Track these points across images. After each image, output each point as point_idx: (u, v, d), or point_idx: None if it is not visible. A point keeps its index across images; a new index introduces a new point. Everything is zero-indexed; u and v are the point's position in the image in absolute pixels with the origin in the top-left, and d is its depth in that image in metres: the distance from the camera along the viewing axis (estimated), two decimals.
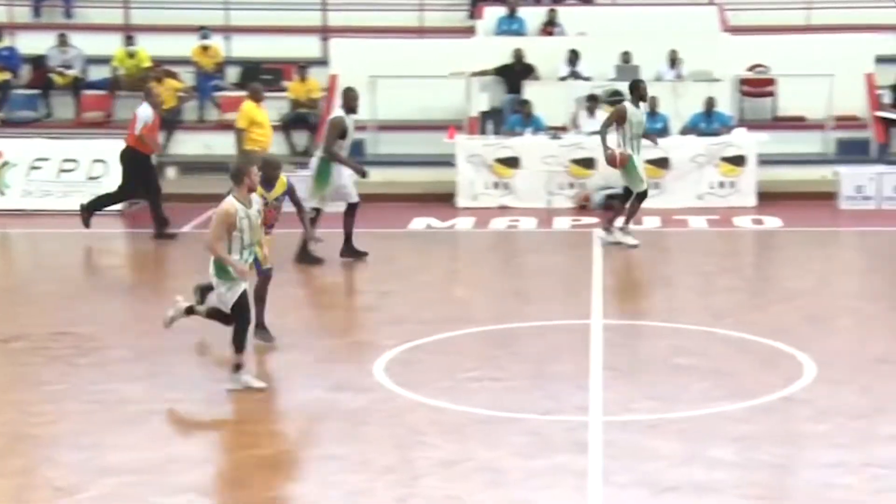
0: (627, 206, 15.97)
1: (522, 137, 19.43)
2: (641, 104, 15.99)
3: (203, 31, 23.02)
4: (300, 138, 21.48)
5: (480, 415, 9.78)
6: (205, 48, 22.86)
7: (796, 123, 20.29)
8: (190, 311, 10.80)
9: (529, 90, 20.69)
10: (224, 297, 10.05)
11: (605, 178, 18.91)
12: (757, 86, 20.98)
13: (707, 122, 19.61)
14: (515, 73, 21.07)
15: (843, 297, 13.80)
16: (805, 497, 8.40)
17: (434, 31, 23.06)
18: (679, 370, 10.96)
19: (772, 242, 17.22)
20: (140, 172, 17.05)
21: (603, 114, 19.85)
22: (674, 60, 20.79)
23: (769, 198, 18.77)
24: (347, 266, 15.09)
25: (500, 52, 21.17)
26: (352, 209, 15.14)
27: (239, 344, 10.07)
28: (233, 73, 23.07)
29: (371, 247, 15.44)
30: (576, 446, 9.06)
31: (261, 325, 11.33)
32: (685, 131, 19.71)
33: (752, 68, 20.89)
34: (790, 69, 20.09)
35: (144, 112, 17.00)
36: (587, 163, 18.86)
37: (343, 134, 14.87)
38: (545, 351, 11.52)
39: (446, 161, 19.29)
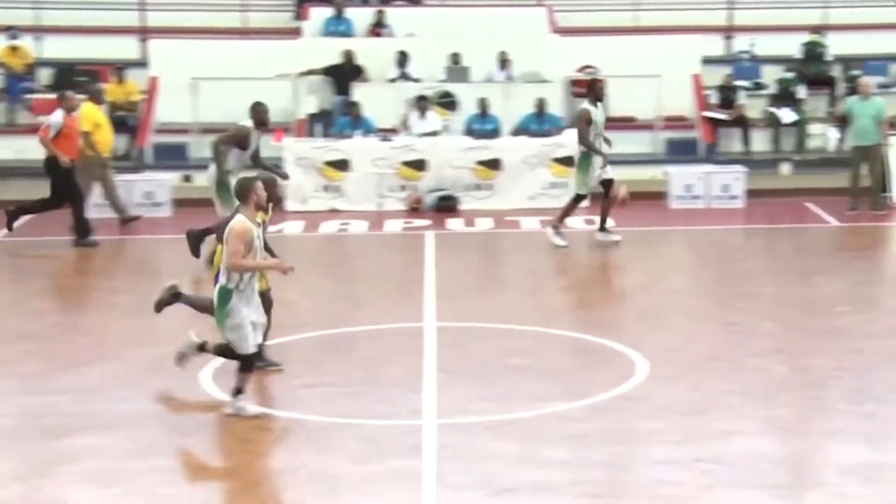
0: (565, 204, 16.26)
1: (352, 140, 19.41)
2: (599, 104, 16.17)
3: (11, 31, 22.39)
4: (120, 142, 21.01)
5: (312, 421, 9.73)
6: (13, 49, 22.24)
7: (626, 124, 20.74)
8: (202, 347, 10.23)
9: (359, 92, 20.68)
10: (232, 338, 9.64)
11: (437, 181, 19.03)
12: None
13: (538, 124, 19.91)
14: (344, 75, 21.04)
15: (674, 294, 14.15)
16: (638, 494, 8.58)
17: (258, 32, 22.87)
18: (514, 371, 11.08)
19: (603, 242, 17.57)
20: (61, 179, 16.63)
21: (434, 115, 20.00)
22: (504, 62, 21.05)
23: (601, 198, 19.08)
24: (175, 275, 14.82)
25: (327, 53, 21.11)
26: None
27: (244, 375, 9.73)
28: (45, 75, 22.45)
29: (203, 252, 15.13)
30: (410, 450, 9.08)
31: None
32: (517, 132, 19.98)
33: (581, 69, 21.28)
34: (619, 70, 20.52)
35: (56, 118, 16.63)
36: (418, 165, 18.95)
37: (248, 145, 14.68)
38: (378, 355, 11.52)
39: (274, 164, 19.09)
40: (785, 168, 20.39)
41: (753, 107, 21.01)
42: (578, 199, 16.14)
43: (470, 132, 19.93)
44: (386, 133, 19.79)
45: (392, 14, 22.73)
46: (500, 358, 11.46)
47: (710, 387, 10.70)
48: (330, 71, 21.07)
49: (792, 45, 21.68)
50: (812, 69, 21.46)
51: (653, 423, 9.79)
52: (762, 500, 8.40)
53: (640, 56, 20.73)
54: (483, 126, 19.95)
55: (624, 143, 20.10)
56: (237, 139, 14.66)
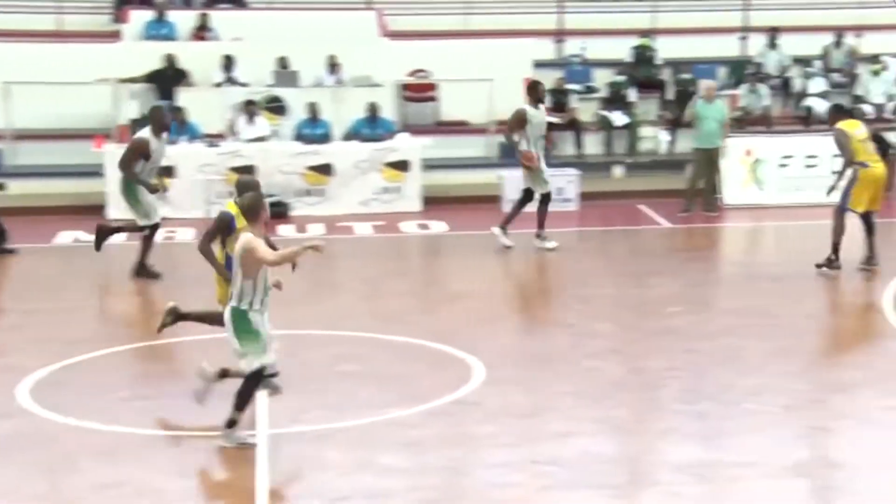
0: (536, 210, 16.25)
1: (177, 146, 19.06)
2: (541, 105, 16.17)
3: None
4: None
5: (136, 435, 9.49)
6: None
7: (459, 128, 20.88)
8: (224, 374, 9.83)
9: (183, 97, 20.34)
10: (244, 359, 9.26)
11: (267, 187, 18.81)
12: (419, 91, 21.47)
13: (370, 128, 19.88)
14: (167, 80, 20.67)
15: (510, 298, 14.28)
16: (475, 498, 8.63)
17: (75, 36, 22.28)
18: (347, 378, 11.02)
19: (438, 247, 17.64)
20: None
21: (263, 120, 19.81)
22: (333, 66, 20.97)
23: (435, 202, 19.22)
24: None
25: (149, 57, 20.70)
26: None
27: (241, 403, 9.25)
28: None
29: (15, 263, 14.77)
30: (241, 461, 8.94)
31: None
32: (348, 137, 19.92)
33: (413, 73, 21.34)
34: (451, 74, 20.65)
35: None
36: (246, 170, 18.71)
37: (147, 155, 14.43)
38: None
39: (94, 171, 18.68)
40: (617, 171, 20.78)
41: (585, 110, 21.35)
42: (545, 199, 16.28)
43: (300, 137, 19.79)
44: (212, 139, 19.50)
45: (216, 17, 22.42)
46: (333, 365, 11.39)
47: (546, 389, 10.83)
48: (152, 77, 20.67)
49: (622, 49, 22.12)
50: (642, 72, 21.93)
51: (489, 427, 9.85)
52: (598, 500, 8.52)
53: (471, 60, 20.87)
54: (313, 131, 19.83)
55: (457, 147, 20.24)
56: (140, 152, 14.42)
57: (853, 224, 14.82)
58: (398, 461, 9.07)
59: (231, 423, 9.20)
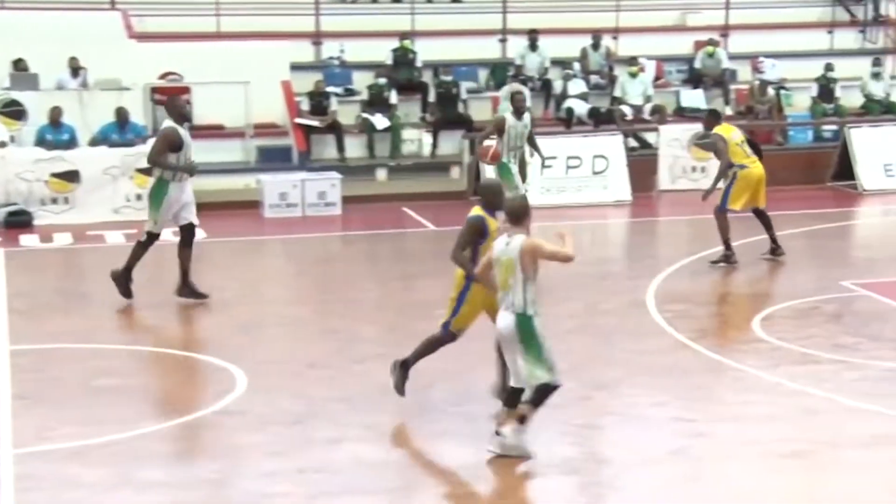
0: None
1: None
2: (524, 116, 16.13)
3: None
4: None
5: None
6: None
7: (215, 132, 20.59)
8: (522, 419, 9.36)
9: None
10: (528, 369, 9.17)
11: (6, 195, 18.23)
12: (171, 94, 21.06)
13: (120, 133, 19.40)
14: None
15: (273, 304, 14.17)
16: None
17: None
18: (103, 392, 10.73)
19: (197, 254, 17.28)
20: None
21: None
22: (76, 69, 20.40)
23: None
24: None
25: None
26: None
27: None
28: None
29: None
30: None
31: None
32: (95, 142, 19.38)
33: (164, 76, 20.94)
34: (205, 77, 20.35)
35: None
36: None
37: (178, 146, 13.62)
38: None
39: None
40: (381, 173, 20.89)
41: (346, 113, 21.39)
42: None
43: (42, 143, 19.15)
44: None
45: None
46: (87, 380, 11.08)
47: (313, 395, 10.79)
48: None
49: (382, 51, 22.24)
50: (403, 75, 22.10)
51: (255, 436, 9.75)
52: None
53: (226, 62, 20.62)
54: (57, 136, 19.23)
55: (214, 151, 19.95)
56: (169, 142, 13.63)
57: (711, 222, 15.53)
58: (159, 476, 8.88)
59: (523, 419, 9.24)
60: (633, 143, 21.33)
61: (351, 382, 11.14)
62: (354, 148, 21.23)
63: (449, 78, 21.90)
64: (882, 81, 23.12)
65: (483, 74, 23.10)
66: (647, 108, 22.10)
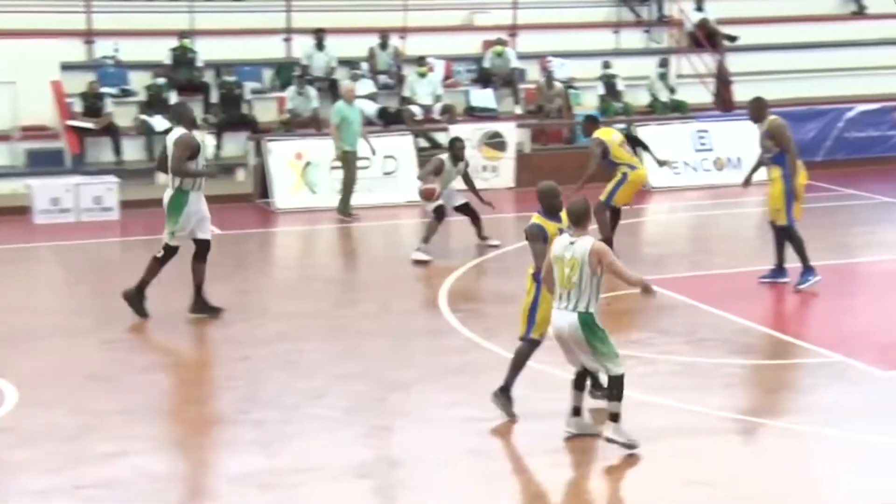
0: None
1: None
2: (460, 164, 16.42)
3: None
4: None
5: None
6: None
7: None
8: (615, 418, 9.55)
9: None
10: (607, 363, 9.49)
11: None
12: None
13: None
14: None
15: (46, 314, 13.71)
16: None
17: None
18: None
19: None
20: None
21: None
22: None
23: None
24: None
25: None
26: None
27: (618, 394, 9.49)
28: None
29: None
30: None
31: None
32: None
33: None
34: None
35: None
36: None
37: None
38: None
39: None
40: (161, 177, 20.39)
41: (123, 114, 20.93)
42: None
43: None
44: None
45: None
46: None
47: (91, 408, 10.49)
48: None
49: (160, 51, 21.82)
50: (183, 75, 21.74)
51: (27, 453, 9.45)
52: None
53: None
54: None
55: None
56: (187, 148, 13.14)
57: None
58: None
59: (615, 417, 9.48)
60: (423, 143, 21.42)
61: (133, 393, 10.89)
62: (132, 150, 20.78)
63: (232, 78, 21.64)
64: (668, 81, 23.77)
65: (268, 74, 22.90)
66: (437, 107, 22.24)
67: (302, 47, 22.92)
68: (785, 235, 14.22)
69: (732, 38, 25.26)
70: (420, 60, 22.57)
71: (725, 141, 21.80)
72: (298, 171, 19.83)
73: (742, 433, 10.14)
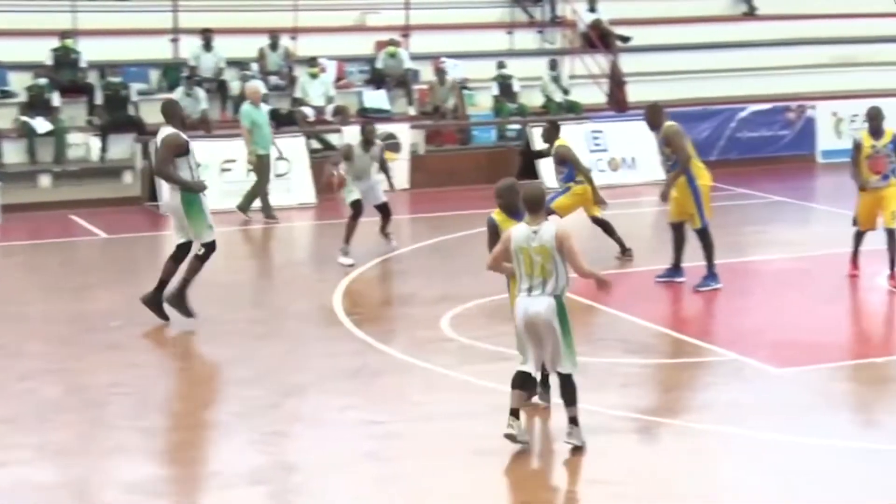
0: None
1: None
2: (372, 147, 16.04)
3: None
4: None
5: None
6: None
7: None
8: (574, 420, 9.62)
9: None
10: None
11: None
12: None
13: None
14: None
15: None
16: None
17: None
18: None
19: None
20: None
21: None
22: None
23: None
24: None
25: None
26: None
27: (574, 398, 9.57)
28: None
29: None
30: None
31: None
32: None
33: None
34: None
35: None
36: None
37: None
38: None
39: None
40: (44, 180, 20.18)
41: (3, 115, 20.60)
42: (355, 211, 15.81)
43: None
44: None
45: None
46: None
47: None
48: None
49: (41, 51, 21.46)
50: (65, 76, 21.41)
51: None
52: None
53: None
54: None
55: None
56: (175, 150, 12.87)
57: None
58: None
59: (575, 420, 9.53)
60: (315, 144, 21.34)
61: (17, 401, 10.72)
62: (13, 153, 20.45)
63: (117, 79, 21.34)
64: (561, 82, 23.95)
65: (155, 75, 22.64)
66: (330, 109, 22.16)
67: (189, 48, 22.69)
68: (700, 237, 14.37)
69: (625, 39, 25.53)
70: (311, 61, 22.48)
71: (620, 141, 22.04)
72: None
73: (640, 432, 10.23)
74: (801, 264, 15.48)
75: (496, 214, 10.21)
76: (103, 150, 20.62)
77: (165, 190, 14.26)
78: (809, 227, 18.66)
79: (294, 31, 23.69)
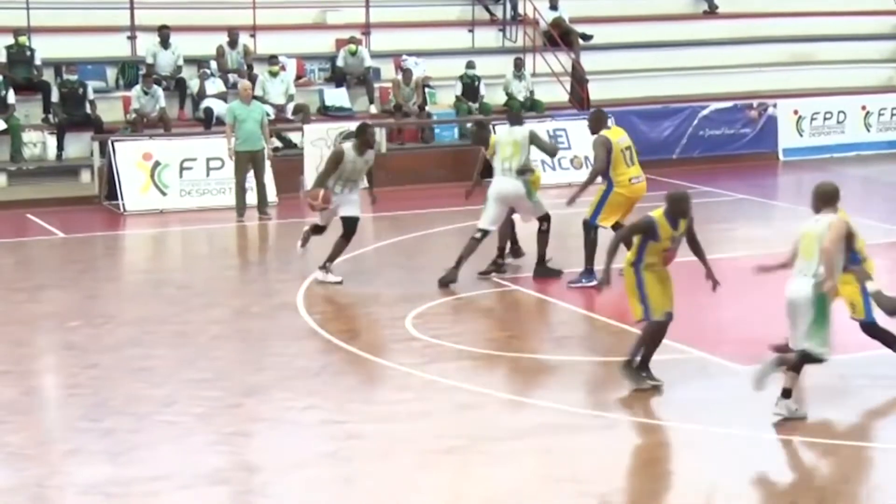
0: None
1: None
2: (369, 151, 14.83)
3: None
4: None
5: None
6: None
7: None
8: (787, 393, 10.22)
9: None
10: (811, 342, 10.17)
11: None
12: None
13: None
14: None
15: None
16: None
17: None
18: None
19: None
20: None
21: None
22: None
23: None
24: None
25: None
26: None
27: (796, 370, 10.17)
28: None
29: None
30: None
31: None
32: None
33: None
34: None
35: None
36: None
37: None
38: None
39: None
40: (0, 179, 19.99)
41: None
42: (318, 229, 15.21)
43: None
44: None
45: None
46: None
47: None
48: None
49: None
50: (21, 73, 21.18)
51: None
52: None
53: None
54: None
55: None
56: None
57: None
58: None
59: (787, 393, 10.13)
60: (277, 143, 21.22)
61: None
62: None
63: (74, 77, 21.11)
64: (524, 80, 23.93)
65: (111, 73, 22.44)
66: (290, 107, 22.04)
67: (147, 45, 22.50)
68: (584, 230, 14.58)
69: (587, 37, 25.52)
70: (271, 59, 22.34)
71: (582, 139, 21.97)
72: (147, 171, 19.47)
73: (603, 429, 10.20)
74: (765, 262, 15.46)
75: (657, 213, 10.88)
76: (60, 148, 20.42)
77: (505, 179, 14.74)
78: (772, 225, 18.69)
79: (253, 29, 23.55)
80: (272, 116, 21.51)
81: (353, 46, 23.31)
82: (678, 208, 10.86)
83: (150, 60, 22.13)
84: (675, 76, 25.54)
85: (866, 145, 24.88)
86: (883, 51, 28.18)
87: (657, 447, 9.87)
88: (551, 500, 8.78)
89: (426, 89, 23.20)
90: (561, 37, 25.03)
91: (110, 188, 19.45)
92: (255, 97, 21.66)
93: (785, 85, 25.92)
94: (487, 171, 15.41)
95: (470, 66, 23.57)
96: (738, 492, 8.94)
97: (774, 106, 24.27)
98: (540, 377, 11.56)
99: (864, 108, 25.00)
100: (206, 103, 21.55)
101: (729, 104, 24.05)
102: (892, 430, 10.37)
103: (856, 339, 11.27)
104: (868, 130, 25.03)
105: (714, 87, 25.25)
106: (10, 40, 21.37)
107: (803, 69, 26.75)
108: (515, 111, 18.34)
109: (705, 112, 23.77)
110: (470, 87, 23.40)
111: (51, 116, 20.86)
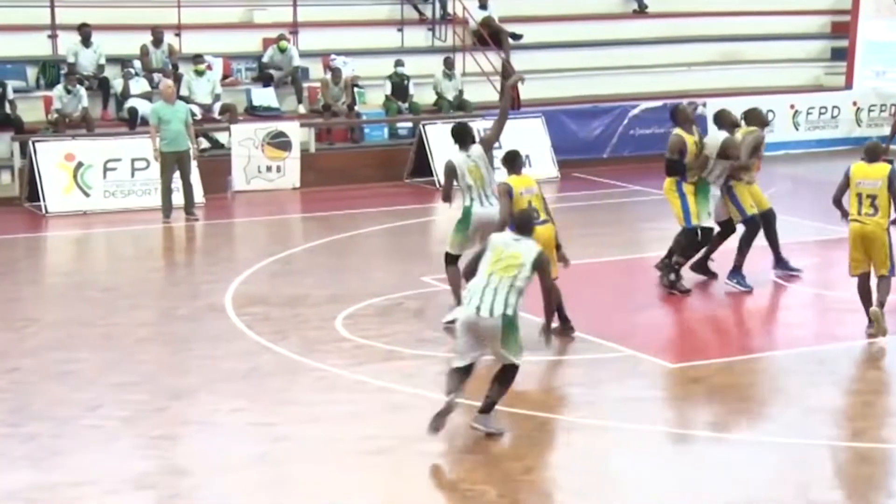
0: None
1: None
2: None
3: None
4: None
5: None
6: None
7: None
8: None
9: None
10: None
11: None
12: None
13: None
14: None
15: None
16: None
17: None
18: None
19: None
20: None
21: None
22: None
23: None
24: None
25: None
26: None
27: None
28: None
29: None
30: None
31: None
32: None
33: None
34: None
35: None
36: None
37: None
38: None
39: None
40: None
41: None
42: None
43: None
44: None
45: None
46: None
47: None
48: None
49: None
50: None
51: None
52: None
53: None
54: None
55: None
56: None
57: None
58: None
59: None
60: (203, 143, 21.03)
61: None
62: None
63: None
64: (454, 80, 23.90)
65: (32, 72, 22.12)
66: (217, 107, 21.86)
67: (68, 44, 22.21)
68: None
69: (517, 37, 25.53)
70: (197, 58, 22.13)
71: (513, 139, 21.98)
72: (70, 172, 19.23)
73: (535, 429, 10.18)
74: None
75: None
76: None
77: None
78: None
79: (178, 28, 23.33)
80: (198, 116, 21.30)
81: (283, 43, 23.14)
82: None
83: (71, 59, 21.84)
84: (606, 75, 25.62)
85: (795, 144, 25.14)
86: (811, 50, 28.48)
87: (588, 446, 9.86)
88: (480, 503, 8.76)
89: (355, 89, 23.09)
90: (490, 36, 25.01)
91: (31, 189, 19.18)
92: (180, 97, 21.44)
93: (714, 84, 26.10)
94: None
95: (399, 65, 23.51)
96: (668, 490, 8.97)
97: (704, 105, 24.41)
98: (471, 378, 11.51)
99: (792, 106, 25.25)
100: (130, 103, 21.30)
101: (659, 103, 24.14)
102: (827, 427, 10.44)
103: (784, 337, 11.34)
104: (797, 129, 25.30)
105: (644, 87, 25.35)
106: None
107: (732, 68, 26.96)
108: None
109: (635, 111, 23.85)
110: (399, 87, 23.32)
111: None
